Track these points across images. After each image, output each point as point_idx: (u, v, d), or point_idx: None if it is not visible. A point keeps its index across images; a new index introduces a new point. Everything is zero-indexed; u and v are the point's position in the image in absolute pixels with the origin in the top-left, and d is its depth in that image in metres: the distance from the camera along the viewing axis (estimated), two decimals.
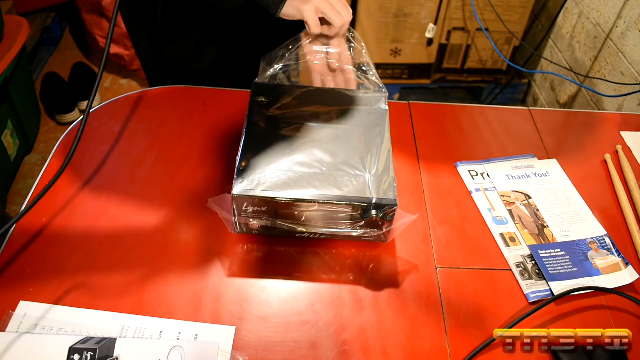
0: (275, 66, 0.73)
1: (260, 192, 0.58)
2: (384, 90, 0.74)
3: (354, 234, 0.62)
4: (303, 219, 0.61)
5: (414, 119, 0.84)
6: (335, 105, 0.70)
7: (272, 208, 0.59)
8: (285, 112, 0.69)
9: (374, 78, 0.74)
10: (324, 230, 0.62)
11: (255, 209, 0.59)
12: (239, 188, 0.58)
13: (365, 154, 0.64)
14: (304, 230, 0.62)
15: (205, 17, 0.88)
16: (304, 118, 0.68)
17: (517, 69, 1.72)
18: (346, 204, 0.58)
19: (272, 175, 0.60)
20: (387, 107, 0.71)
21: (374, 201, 0.58)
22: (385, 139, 0.66)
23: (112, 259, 0.61)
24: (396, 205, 0.58)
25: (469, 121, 0.85)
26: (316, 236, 0.63)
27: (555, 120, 0.88)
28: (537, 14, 1.86)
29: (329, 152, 0.63)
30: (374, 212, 0.59)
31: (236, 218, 0.61)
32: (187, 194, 0.69)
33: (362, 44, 0.74)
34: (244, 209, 0.60)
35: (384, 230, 0.61)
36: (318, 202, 0.58)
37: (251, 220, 0.61)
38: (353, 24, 1.91)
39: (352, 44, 0.74)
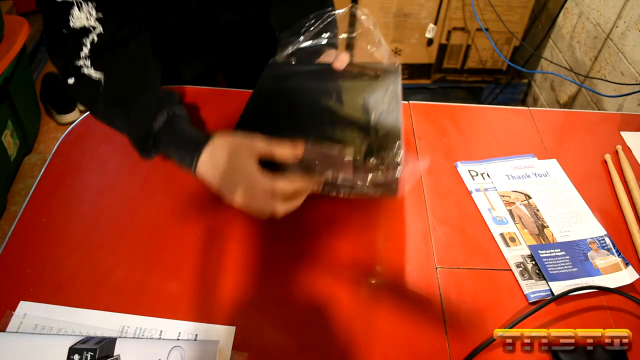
0: (292, 46, 0.73)
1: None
2: (396, 64, 0.73)
3: (360, 184, 0.59)
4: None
5: (414, 119, 0.84)
6: (347, 79, 0.71)
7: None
8: (293, 85, 0.69)
9: (385, 53, 0.73)
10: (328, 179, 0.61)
11: None
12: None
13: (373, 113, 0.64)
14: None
15: (179, 39, 0.85)
16: (312, 90, 0.68)
17: (517, 69, 1.72)
18: (350, 131, 0.58)
19: (270, 124, 0.60)
20: (399, 81, 0.70)
21: (375, 127, 0.58)
22: (398, 107, 0.66)
23: (112, 259, 0.61)
24: (399, 138, 0.57)
25: (469, 121, 0.85)
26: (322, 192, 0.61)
27: (555, 120, 0.88)
28: (537, 14, 1.86)
29: (334, 115, 0.63)
30: (375, 152, 0.58)
31: None
32: (187, 194, 0.69)
33: (371, 18, 0.72)
34: None
35: (391, 177, 0.59)
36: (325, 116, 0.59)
37: None
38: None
39: (357, 22, 0.73)
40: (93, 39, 0.60)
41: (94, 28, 0.60)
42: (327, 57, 0.74)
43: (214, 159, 0.57)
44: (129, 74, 0.62)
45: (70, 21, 0.59)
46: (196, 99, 0.83)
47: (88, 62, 0.60)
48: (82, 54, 0.60)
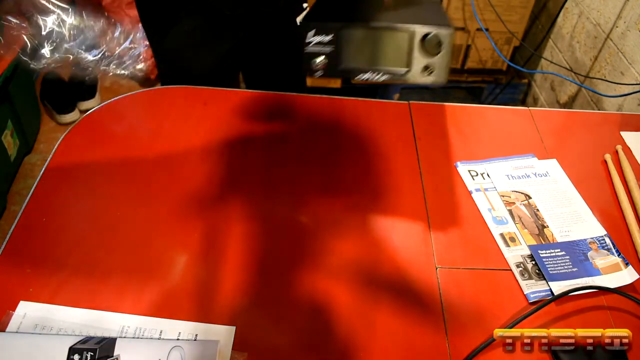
0: None
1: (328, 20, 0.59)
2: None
3: (413, 71, 0.60)
4: (367, 54, 0.60)
5: (414, 119, 0.84)
6: None
7: (340, 37, 0.60)
8: None
9: None
10: (385, 69, 0.61)
11: (321, 38, 0.60)
12: (307, 18, 0.59)
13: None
14: (365, 67, 0.61)
15: (206, 18, 0.87)
16: None
17: (517, 69, 1.71)
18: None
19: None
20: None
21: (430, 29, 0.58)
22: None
23: (112, 259, 0.61)
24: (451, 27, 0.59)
25: (469, 121, 0.85)
26: (376, 76, 0.61)
27: (555, 120, 0.88)
28: (537, 14, 1.86)
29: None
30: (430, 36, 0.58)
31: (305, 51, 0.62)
32: (187, 194, 0.69)
33: None
34: (308, 39, 0.60)
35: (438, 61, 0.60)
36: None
37: (317, 59, 0.61)
38: None
39: None
40: None
41: None
42: None
43: None
44: None
45: None
46: (200, 98, 0.83)
47: None
48: None
